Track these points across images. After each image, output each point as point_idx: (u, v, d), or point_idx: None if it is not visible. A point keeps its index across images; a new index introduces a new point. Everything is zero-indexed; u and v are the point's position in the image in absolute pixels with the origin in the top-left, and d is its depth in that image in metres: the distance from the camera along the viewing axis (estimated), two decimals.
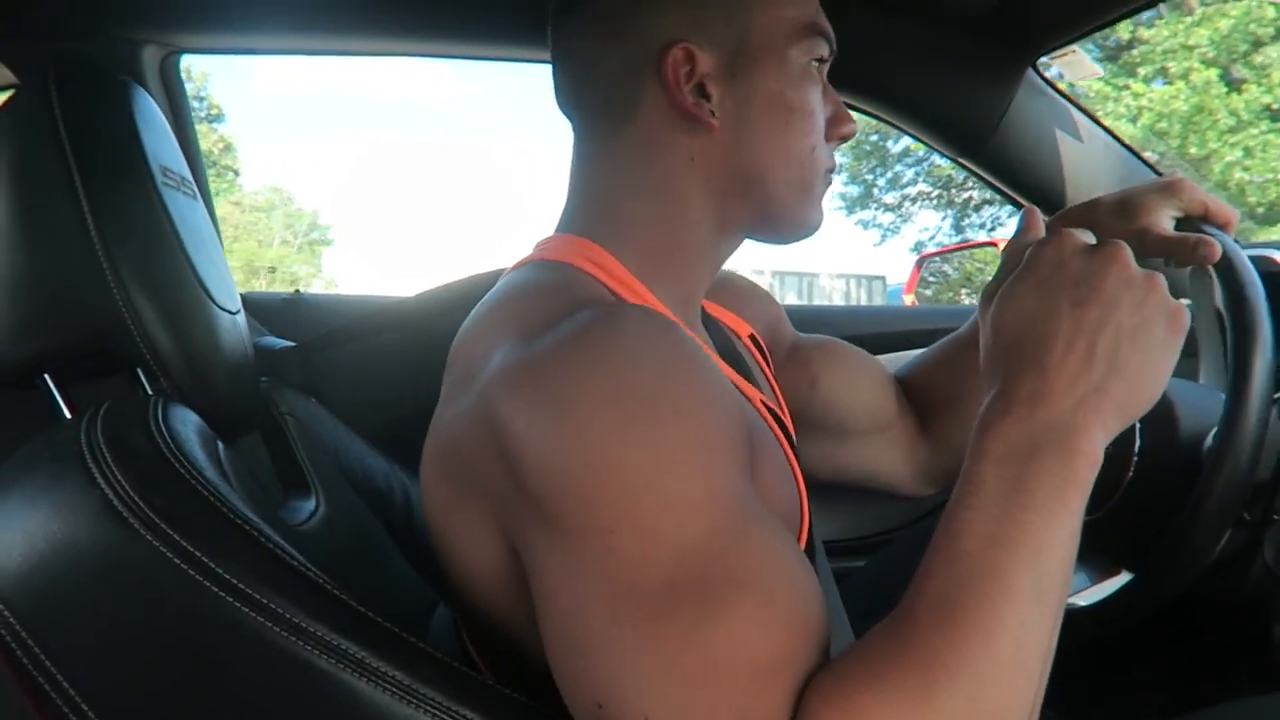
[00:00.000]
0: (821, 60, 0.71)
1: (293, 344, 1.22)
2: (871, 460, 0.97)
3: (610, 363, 0.52)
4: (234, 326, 0.84)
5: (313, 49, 1.37)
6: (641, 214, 0.70)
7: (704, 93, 0.67)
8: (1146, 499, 0.91)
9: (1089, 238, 0.58)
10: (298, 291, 1.42)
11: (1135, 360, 0.54)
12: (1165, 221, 0.79)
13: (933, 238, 16.84)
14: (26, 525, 0.56)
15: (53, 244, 0.70)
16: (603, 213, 0.71)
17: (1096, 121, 1.44)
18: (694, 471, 0.51)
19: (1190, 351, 1.17)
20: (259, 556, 0.57)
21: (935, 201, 16.78)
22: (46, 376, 0.73)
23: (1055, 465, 0.51)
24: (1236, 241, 0.84)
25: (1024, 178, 1.47)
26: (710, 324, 0.81)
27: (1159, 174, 1.47)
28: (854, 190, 17.26)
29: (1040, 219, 0.69)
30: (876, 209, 17.40)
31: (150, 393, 0.77)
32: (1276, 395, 0.80)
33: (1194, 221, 0.82)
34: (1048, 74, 1.42)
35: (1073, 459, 0.52)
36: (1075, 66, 1.37)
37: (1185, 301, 0.57)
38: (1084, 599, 0.92)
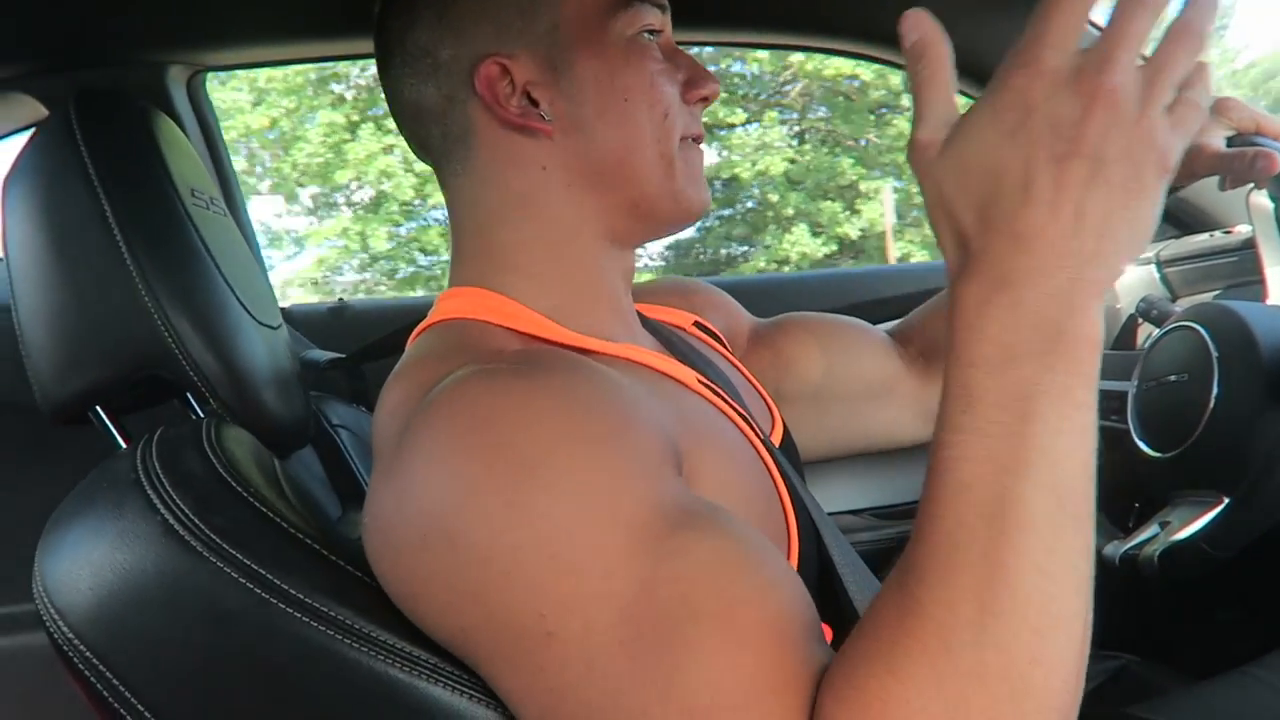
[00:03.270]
0: (654, 30, 0.67)
1: (339, 355, 1.23)
2: (881, 424, 0.94)
3: (472, 443, 0.49)
4: (277, 342, 0.84)
5: (336, 55, 1.37)
6: (519, 241, 0.67)
7: (533, 100, 0.65)
8: (1233, 425, 0.88)
9: (1068, 55, 0.42)
10: (341, 300, 1.43)
11: (1126, 217, 0.43)
12: (1217, 140, 0.74)
13: None
14: (92, 557, 0.57)
15: (90, 276, 0.71)
16: (484, 254, 0.68)
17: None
18: (605, 516, 0.47)
19: (1254, 276, 1.13)
20: (321, 570, 0.57)
21: None
22: (99, 409, 0.74)
23: (1057, 359, 0.42)
24: None
25: None
26: (649, 325, 0.78)
27: None
28: None
29: (935, 29, 0.46)
30: None
31: (202, 415, 0.78)
32: None
33: (1246, 138, 0.79)
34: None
35: (1075, 347, 0.42)
36: None
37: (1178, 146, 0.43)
38: (1187, 531, 0.89)
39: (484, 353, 0.59)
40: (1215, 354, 0.90)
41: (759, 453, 0.66)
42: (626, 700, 0.44)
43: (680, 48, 0.70)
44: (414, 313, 0.70)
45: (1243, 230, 1.35)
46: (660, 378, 0.66)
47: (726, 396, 0.70)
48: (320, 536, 0.59)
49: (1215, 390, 0.89)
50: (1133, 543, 0.93)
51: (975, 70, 0.68)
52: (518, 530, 0.47)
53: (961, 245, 0.45)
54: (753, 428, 0.69)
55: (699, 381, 0.69)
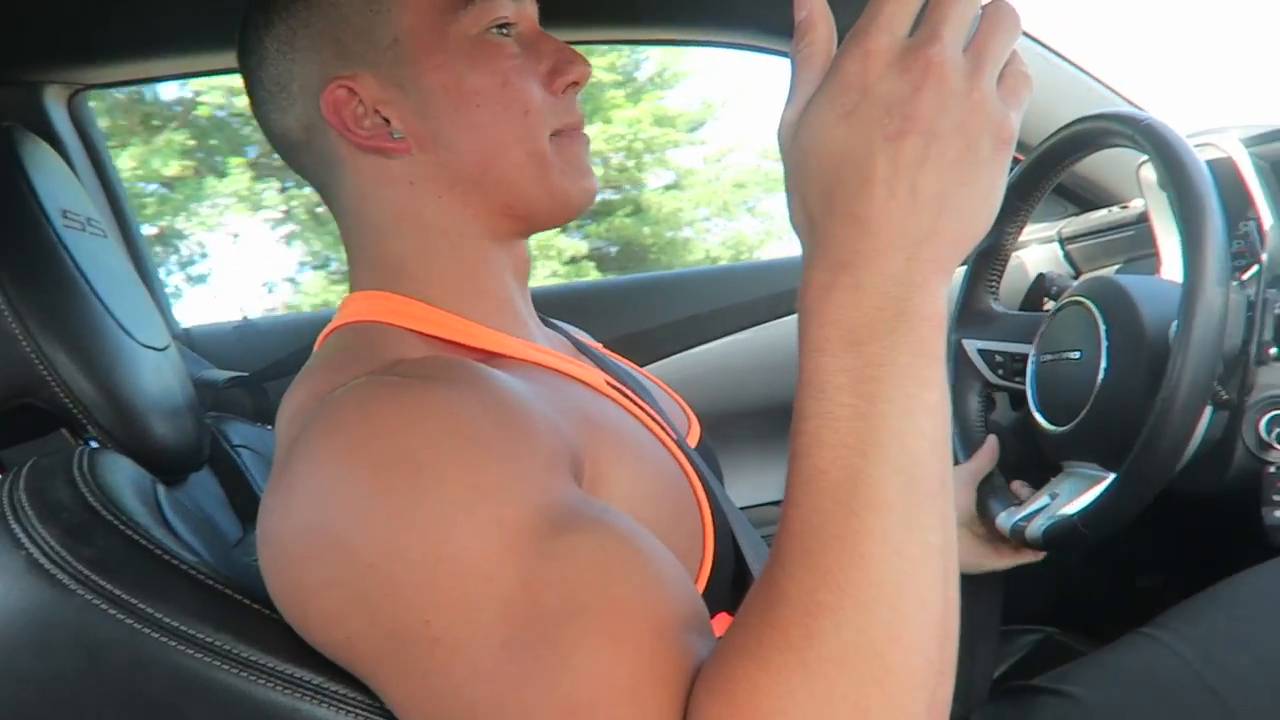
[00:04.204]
0: (504, 25, 0.64)
1: (240, 374, 1.20)
2: None
3: (360, 452, 0.49)
4: (163, 363, 0.82)
5: (222, 69, 1.34)
6: (405, 251, 0.66)
7: (386, 118, 0.63)
8: (1122, 399, 0.90)
9: (897, 38, 0.43)
10: (245, 318, 1.39)
11: (965, 193, 0.43)
12: None
13: None
14: None
15: None
16: (379, 262, 0.67)
17: (1049, 48, 1.42)
18: (489, 519, 0.47)
19: (1149, 249, 1.16)
20: (199, 596, 0.56)
21: None
22: None
23: (900, 339, 0.43)
24: None
25: None
26: (555, 325, 0.78)
27: (1121, 96, 1.45)
28: None
29: (823, 9, 0.48)
30: None
31: (85, 444, 0.75)
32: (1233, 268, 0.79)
33: None
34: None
35: (917, 325, 0.43)
36: None
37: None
38: (1073, 507, 0.91)
39: (383, 360, 0.58)
40: (1104, 328, 0.92)
41: (672, 454, 0.66)
42: (510, 700, 0.44)
43: (546, 33, 0.68)
44: (321, 327, 0.69)
45: (1137, 204, 1.39)
46: (566, 381, 0.65)
47: (637, 399, 0.69)
48: (203, 562, 0.58)
49: (1103, 365, 0.91)
50: (1023, 513, 0.94)
51: None
52: (401, 535, 0.47)
53: (810, 229, 0.45)
54: (666, 430, 0.68)
55: (608, 384, 0.68)
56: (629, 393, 0.69)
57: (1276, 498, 0.88)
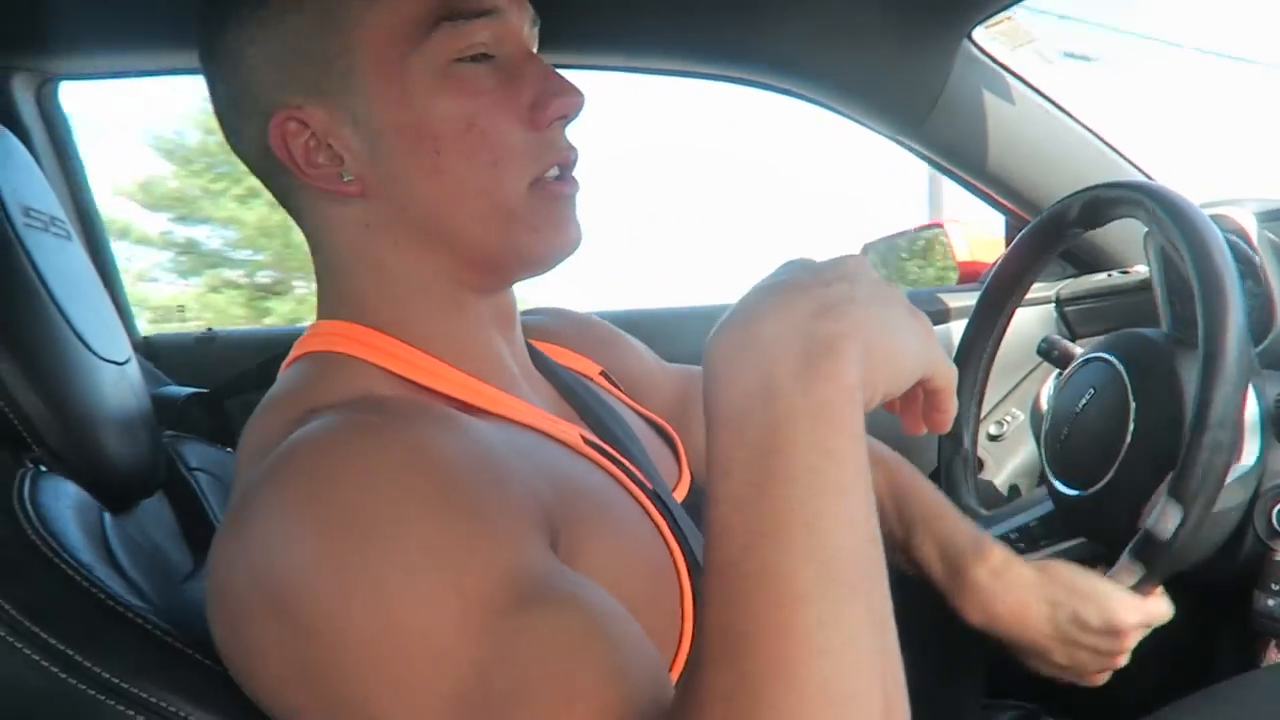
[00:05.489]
0: (478, 56, 0.57)
1: (200, 390, 1.13)
2: None
3: (312, 505, 0.45)
4: (122, 379, 0.75)
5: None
6: (369, 290, 0.60)
7: (339, 154, 0.57)
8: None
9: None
10: (210, 329, 1.33)
11: (881, 307, 0.43)
12: None
13: None
14: None
15: None
16: (343, 295, 0.61)
17: (1037, 91, 1.40)
18: (447, 589, 0.43)
19: (1151, 316, 1.14)
20: (145, 648, 0.51)
21: None
22: None
23: (801, 401, 0.40)
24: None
25: (966, 154, 1.42)
26: (550, 369, 0.72)
27: (1105, 142, 1.44)
28: None
29: None
30: None
31: (29, 466, 0.69)
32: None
33: None
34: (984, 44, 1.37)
35: (822, 388, 0.40)
36: (1013, 34, 1.32)
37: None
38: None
39: (347, 394, 0.54)
40: (1134, 404, 0.89)
41: (653, 520, 0.60)
42: None
43: (534, 56, 0.60)
44: (288, 341, 0.63)
45: (1140, 270, 1.37)
46: (542, 439, 0.60)
47: (618, 455, 0.64)
48: (151, 608, 0.52)
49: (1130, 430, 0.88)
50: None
51: None
52: (349, 603, 0.42)
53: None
54: (646, 487, 0.63)
55: (585, 441, 0.62)
56: (610, 449, 0.64)
57: (1274, 585, 0.86)
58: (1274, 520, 0.87)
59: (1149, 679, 0.88)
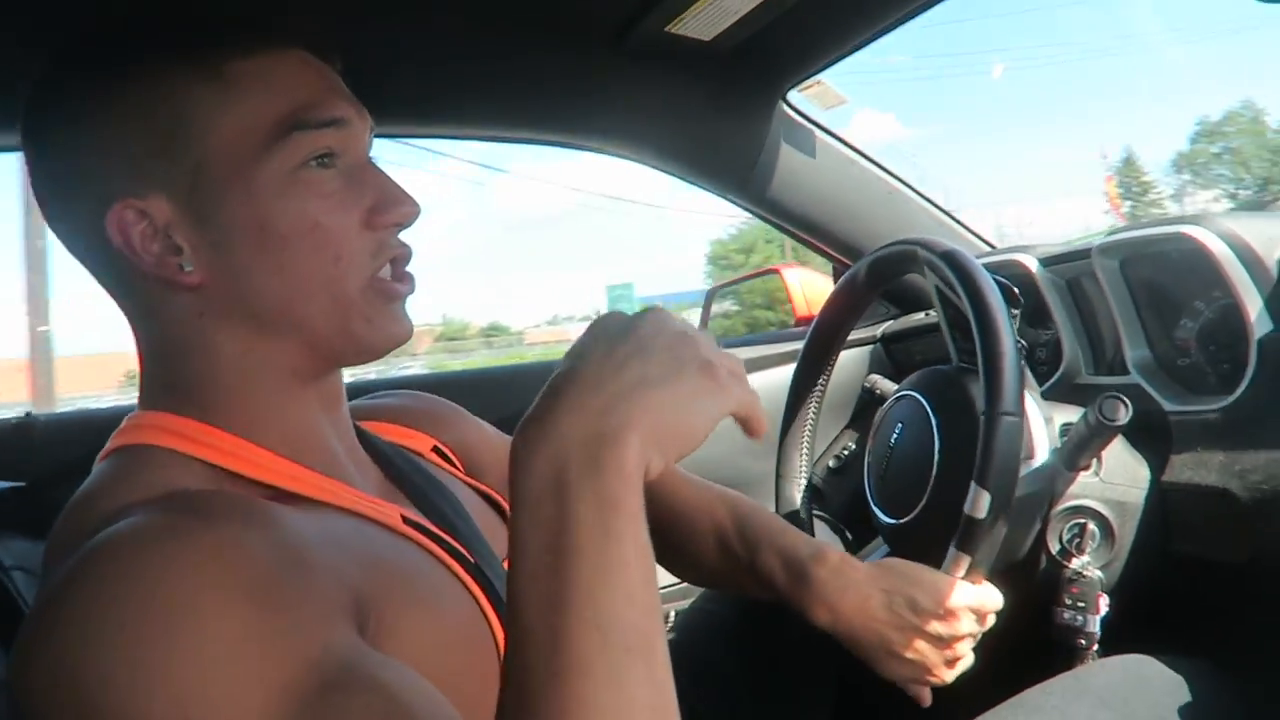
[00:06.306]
0: (324, 158, 0.60)
1: (17, 484, 1.07)
2: None
3: (115, 606, 0.45)
4: None
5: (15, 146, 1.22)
6: (194, 378, 0.61)
7: (177, 244, 0.58)
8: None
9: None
10: (29, 414, 1.25)
11: (668, 388, 0.48)
12: None
13: None
14: None
15: None
16: (168, 384, 0.62)
17: (852, 147, 1.50)
18: (249, 679, 0.44)
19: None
20: None
21: None
22: None
23: (587, 489, 0.45)
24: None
25: (787, 208, 1.51)
26: (375, 446, 0.73)
27: (918, 193, 1.55)
28: None
29: None
30: None
31: None
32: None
33: None
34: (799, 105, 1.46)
35: (607, 477, 0.45)
36: (824, 96, 1.41)
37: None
38: None
39: (157, 491, 0.54)
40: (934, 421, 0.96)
41: (469, 588, 0.62)
42: None
43: (373, 166, 0.64)
44: (111, 425, 0.62)
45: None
46: (359, 522, 0.61)
47: (440, 531, 0.65)
48: None
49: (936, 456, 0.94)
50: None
51: None
52: (150, 703, 0.43)
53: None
54: (467, 561, 0.64)
55: (405, 520, 0.64)
56: (432, 525, 0.66)
57: (1068, 600, 0.95)
58: (1064, 540, 0.96)
59: (982, 703, 0.93)
